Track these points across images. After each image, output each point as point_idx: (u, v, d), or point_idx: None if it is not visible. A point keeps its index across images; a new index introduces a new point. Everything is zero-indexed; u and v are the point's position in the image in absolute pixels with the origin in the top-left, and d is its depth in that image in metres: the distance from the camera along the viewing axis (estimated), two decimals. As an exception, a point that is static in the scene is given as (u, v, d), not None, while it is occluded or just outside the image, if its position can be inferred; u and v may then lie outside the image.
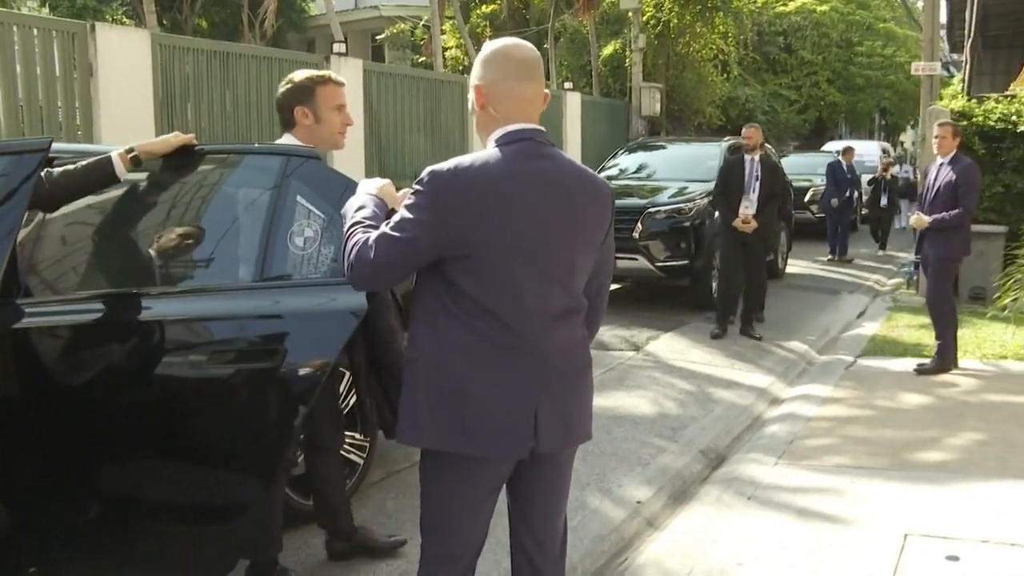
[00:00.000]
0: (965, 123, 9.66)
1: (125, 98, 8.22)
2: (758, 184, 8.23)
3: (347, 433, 4.15)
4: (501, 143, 2.30)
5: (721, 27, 21.29)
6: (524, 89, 2.33)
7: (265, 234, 3.16)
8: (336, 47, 10.70)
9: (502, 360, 2.26)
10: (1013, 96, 10.33)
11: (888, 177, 15.76)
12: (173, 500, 3.04)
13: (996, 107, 10.34)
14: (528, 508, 2.50)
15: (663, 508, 4.50)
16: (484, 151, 2.30)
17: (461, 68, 21.93)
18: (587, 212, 2.34)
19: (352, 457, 4.26)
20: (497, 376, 2.26)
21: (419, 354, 2.33)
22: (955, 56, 26.59)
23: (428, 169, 2.25)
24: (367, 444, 4.34)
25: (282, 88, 3.31)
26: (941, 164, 6.80)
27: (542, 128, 2.35)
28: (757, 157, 8.31)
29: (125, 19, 21.12)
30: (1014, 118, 10.11)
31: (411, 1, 25.40)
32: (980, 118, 10.28)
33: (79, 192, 3.03)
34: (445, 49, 23.96)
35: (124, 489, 3.00)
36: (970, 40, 16.25)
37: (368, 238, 2.25)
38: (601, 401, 6.21)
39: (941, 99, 12.91)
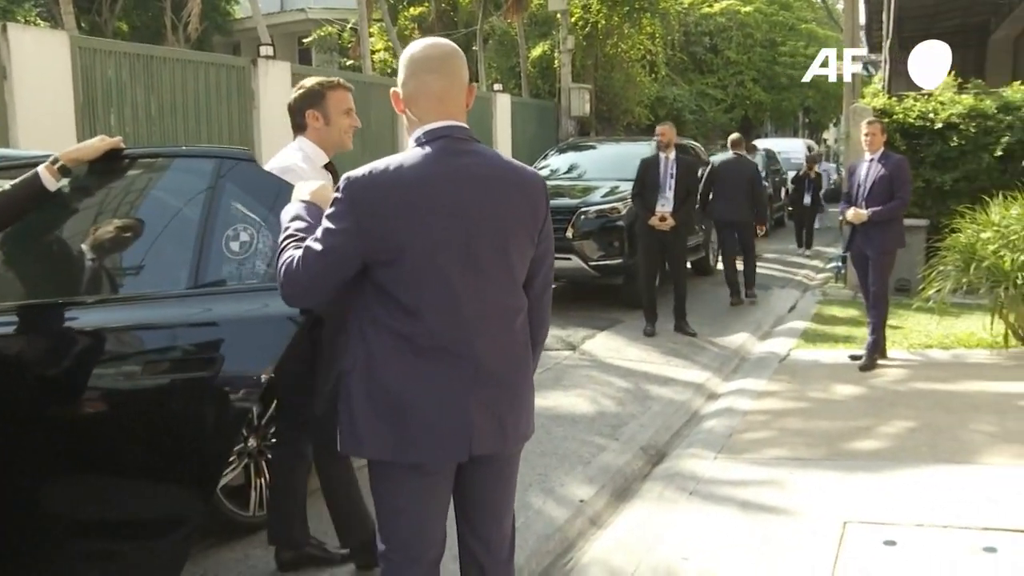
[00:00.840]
0: (887, 120, 9.92)
1: (43, 103, 7.96)
2: (673, 182, 8.29)
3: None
4: (419, 143, 2.28)
5: (648, 28, 21.54)
6: (432, 84, 2.29)
7: (199, 239, 3.09)
8: (263, 50, 10.54)
9: (432, 364, 2.24)
10: (929, 95, 10.64)
11: (813, 175, 15.72)
12: (105, 516, 2.95)
13: (915, 105, 10.67)
14: (473, 510, 2.49)
15: (606, 506, 4.52)
16: (401, 154, 2.28)
17: (390, 71, 21.80)
18: (514, 204, 2.31)
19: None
20: (428, 381, 2.24)
21: (353, 365, 2.31)
22: (874, 56, 27.33)
23: (345, 176, 2.24)
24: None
25: (295, 93, 3.41)
26: (871, 160, 6.96)
27: (462, 124, 2.32)
28: (672, 155, 8.37)
29: (39, 20, 20.52)
30: (932, 115, 10.42)
31: (338, 3, 25.17)
32: (900, 115, 10.58)
33: (15, 214, 2.98)
34: (373, 52, 23.78)
35: (51, 506, 2.91)
36: (888, 41, 16.70)
37: (295, 256, 2.23)
38: (540, 401, 6.19)
39: (863, 97, 13.23)
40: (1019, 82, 10.84)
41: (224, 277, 3.09)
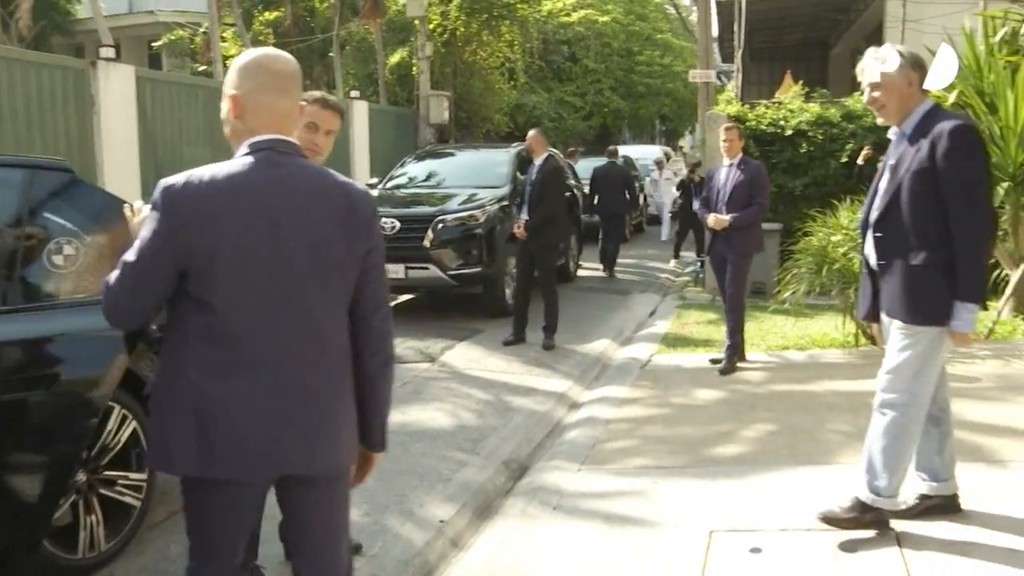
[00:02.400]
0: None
1: None
2: (531, 190, 8.22)
3: (121, 473, 3.81)
4: (244, 153, 2.25)
5: (507, 35, 21.59)
6: (280, 103, 2.29)
7: (14, 253, 2.80)
8: (103, 51, 9.84)
9: (240, 379, 2.18)
10: (779, 103, 10.97)
11: (696, 180, 15.16)
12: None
13: (766, 112, 11.00)
14: (302, 538, 2.41)
15: (467, 526, 4.35)
16: (222, 162, 2.24)
17: (244, 76, 21.04)
18: (333, 218, 2.26)
19: (127, 499, 3.86)
20: (236, 396, 2.18)
21: (162, 378, 2.23)
22: (727, 66, 28.25)
23: (160, 183, 2.18)
24: (144, 483, 3.94)
25: None
26: (730, 166, 7.06)
27: (288, 139, 2.31)
28: (538, 162, 8.29)
29: None
30: (782, 123, 10.75)
31: (189, 6, 24.22)
32: (753, 122, 10.89)
33: None
34: (227, 57, 23.00)
35: None
36: (739, 51, 17.26)
37: (113, 273, 2.20)
38: (398, 416, 6.03)
39: (717, 104, 13.56)
40: (859, 92, 11.29)
41: (48, 291, 2.84)
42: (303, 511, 2.37)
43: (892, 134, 3.65)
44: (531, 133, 8.52)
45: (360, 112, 16.44)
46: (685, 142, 40.64)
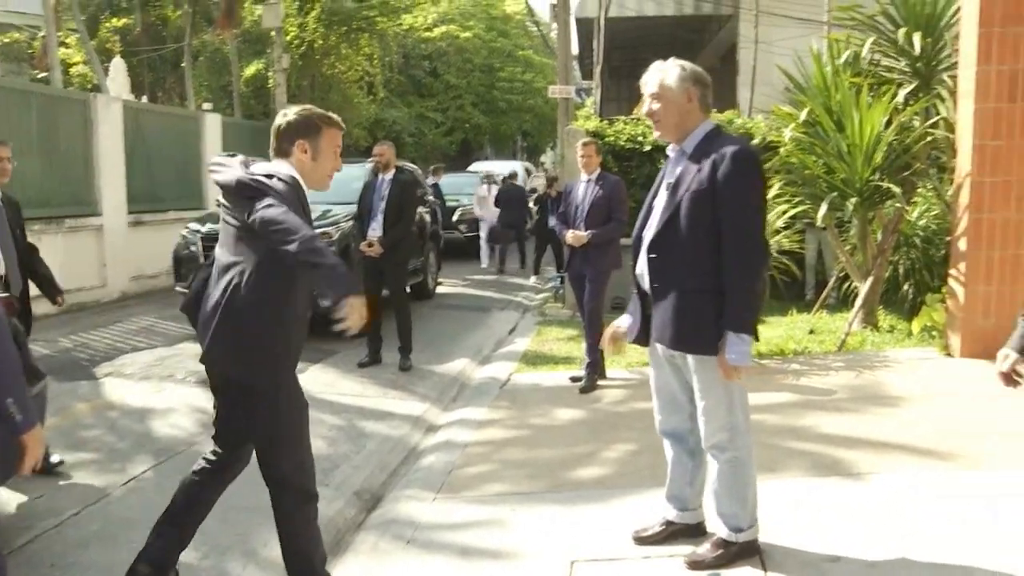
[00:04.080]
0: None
1: None
2: (384, 205, 7.86)
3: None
4: None
5: (366, 49, 21.27)
6: None
7: None
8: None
9: None
10: (638, 119, 11.05)
11: (554, 195, 14.67)
12: None
13: (625, 128, 11.05)
14: None
15: (313, 565, 4.02)
16: None
17: (91, 85, 20.07)
18: None
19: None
20: None
21: None
22: (587, 83, 28.65)
23: None
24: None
25: (289, 117, 3.28)
26: (588, 181, 6.98)
27: None
28: (389, 176, 7.96)
29: None
30: (640, 139, 10.81)
31: (29, 7, 22.86)
32: (611, 138, 10.91)
33: None
34: (71, 64, 21.83)
35: None
36: (599, 68, 17.46)
37: None
38: (243, 447, 5.66)
39: (576, 120, 13.62)
40: (714, 110, 11.52)
41: None
42: None
43: (671, 151, 3.52)
44: (382, 145, 8.22)
45: (213, 125, 15.80)
46: (546, 157, 41.12)
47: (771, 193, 8.07)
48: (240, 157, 3.31)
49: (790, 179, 8.32)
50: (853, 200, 7.64)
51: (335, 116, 3.38)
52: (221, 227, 3.29)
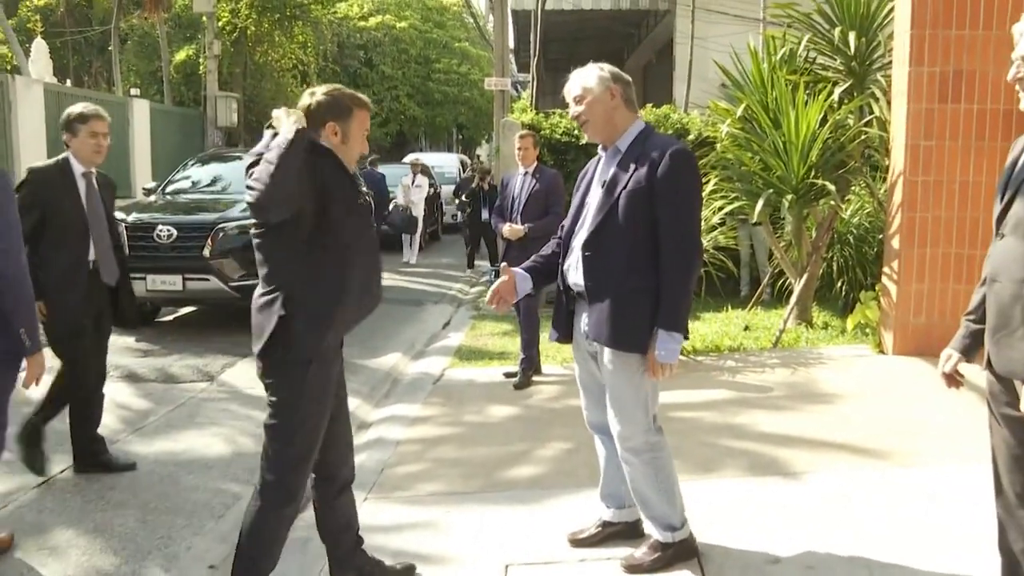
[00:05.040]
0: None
1: None
2: None
3: None
4: None
5: (300, 37, 20.93)
6: None
7: None
8: None
9: None
10: (575, 112, 11.00)
11: (486, 187, 14.70)
12: None
13: (561, 121, 10.98)
14: None
15: (237, 571, 3.85)
16: None
17: (9, 67, 19.39)
18: None
19: None
20: None
21: None
22: (523, 76, 28.59)
23: None
24: None
25: (318, 97, 3.14)
26: (526, 174, 6.93)
27: None
28: None
29: None
30: (576, 132, 10.75)
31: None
32: (548, 131, 10.83)
33: None
34: (-13, 45, 21.10)
35: None
36: (535, 61, 17.35)
37: None
38: (169, 445, 5.45)
39: (512, 113, 13.52)
40: (651, 104, 11.55)
41: None
42: None
43: (603, 150, 3.52)
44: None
45: (141, 112, 15.36)
46: (482, 150, 41.01)
47: (707, 189, 8.07)
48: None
49: (726, 175, 8.32)
50: (789, 197, 7.66)
51: (364, 97, 3.28)
52: None
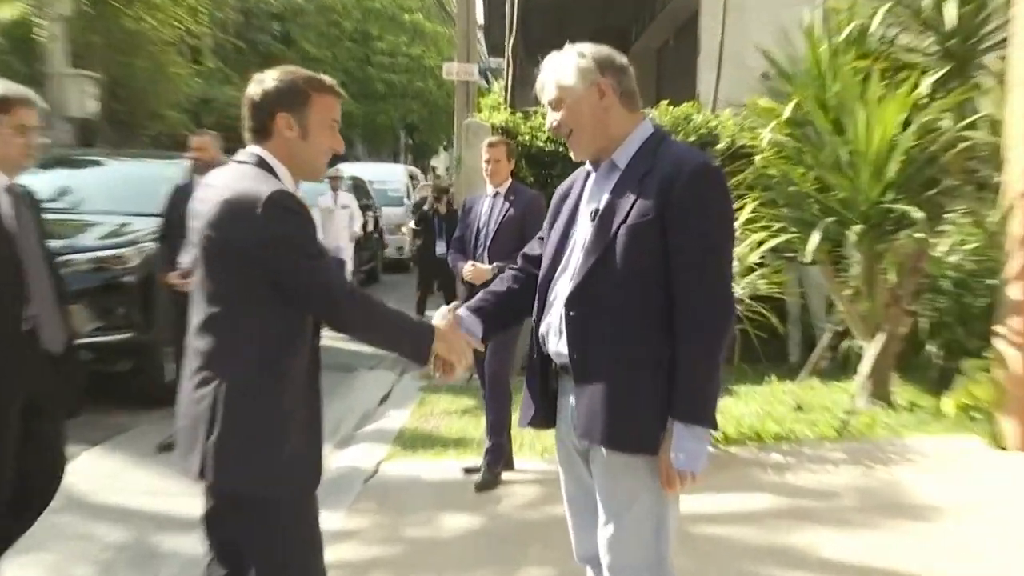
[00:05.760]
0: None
1: None
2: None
3: None
4: None
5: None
6: None
7: None
8: None
9: None
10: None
11: (443, 211, 14.47)
12: None
13: (545, 124, 10.92)
14: None
15: None
16: None
17: None
18: None
19: None
20: None
21: None
22: (495, 61, 28.78)
23: None
24: None
25: (264, 84, 3.30)
26: (495, 195, 6.95)
27: None
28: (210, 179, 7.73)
29: None
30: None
31: None
32: (527, 136, 10.83)
33: None
34: None
35: None
36: (511, 41, 17.28)
37: None
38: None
39: (480, 111, 13.51)
40: (665, 102, 11.54)
41: None
42: None
43: (591, 166, 3.39)
44: (203, 136, 8.08)
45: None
46: (439, 161, 41.22)
47: (741, 217, 7.99)
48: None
49: (769, 198, 8.29)
50: (856, 228, 7.62)
51: (326, 78, 3.43)
52: None
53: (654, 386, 3.09)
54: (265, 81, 3.32)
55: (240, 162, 3.33)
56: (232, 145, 10.31)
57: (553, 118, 3.30)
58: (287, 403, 3.16)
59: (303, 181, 3.36)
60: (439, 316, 3.54)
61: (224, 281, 3.20)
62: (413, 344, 3.34)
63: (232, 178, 3.25)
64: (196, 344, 3.24)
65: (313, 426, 3.31)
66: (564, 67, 3.27)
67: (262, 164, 3.30)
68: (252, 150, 3.35)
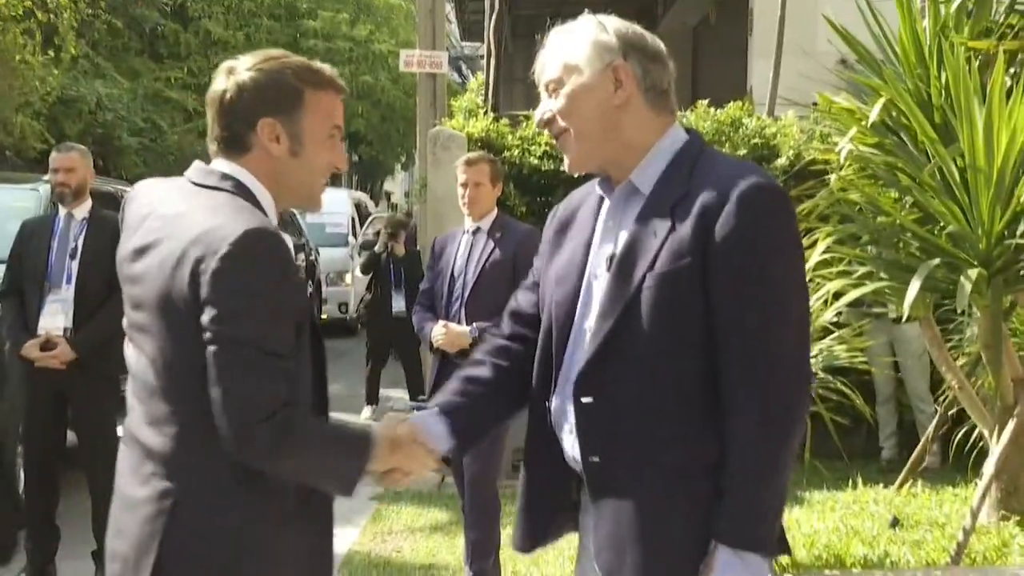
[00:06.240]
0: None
1: None
2: (76, 266, 7.79)
3: None
4: None
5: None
6: None
7: None
8: None
9: None
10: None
11: (400, 253, 14.69)
12: None
13: (542, 135, 10.88)
14: None
15: None
16: None
17: None
18: None
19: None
20: None
21: None
22: (472, 46, 28.94)
23: None
24: None
25: (240, 78, 3.22)
26: (476, 231, 7.09)
27: None
28: (82, 213, 7.92)
29: None
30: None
31: None
32: (517, 151, 10.80)
33: None
34: None
35: None
36: (492, 22, 17.28)
37: None
38: None
39: (451, 117, 13.54)
40: (705, 101, 11.57)
41: None
42: None
43: (603, 190, 3.34)
44: (69, 153, 8.13)
45: None
46: (395, 184, 41.30)
47: (811, 259, 7.96)
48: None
49: (849, 232, 8.26)
50: (974, 272, 7.59)
51: (328, 68, 3.39)
52: None
53: (701, 500, 3.04)
54: (238, 72, 3.23)
55: (210, 187, 3.18)
56: (107, 162, 10.32)
57: (546, 108, 3.24)
58: (273, 527, 3.07)
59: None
60: (388, 422, 3.53)
61: (181, 347, 2.96)
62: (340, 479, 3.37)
63: (201, 211, 3.07)
64: (140, 435, 3.07)
65: (315, 559, 3.30)
66: (575, 39, 3.21)
67: (240, 190, 3.18)
68: (222, 168, 3.24)
